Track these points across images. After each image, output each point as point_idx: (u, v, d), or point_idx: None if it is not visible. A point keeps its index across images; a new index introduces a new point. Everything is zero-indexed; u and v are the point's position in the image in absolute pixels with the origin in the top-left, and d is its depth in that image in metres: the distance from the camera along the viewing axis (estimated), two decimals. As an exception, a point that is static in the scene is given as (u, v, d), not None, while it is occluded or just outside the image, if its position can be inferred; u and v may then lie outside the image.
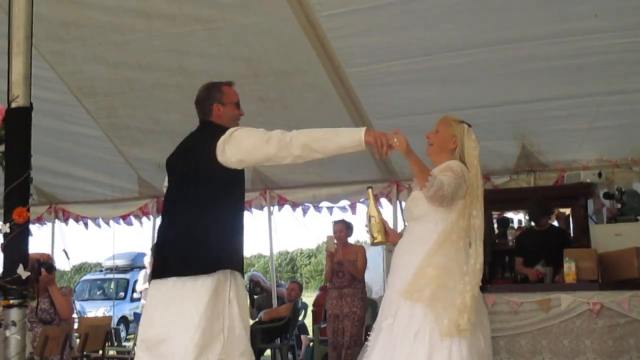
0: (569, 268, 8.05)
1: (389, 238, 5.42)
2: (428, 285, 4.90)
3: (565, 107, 9.36)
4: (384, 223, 5.36)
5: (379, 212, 5.37)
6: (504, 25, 8.41)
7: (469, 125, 5.59)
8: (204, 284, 4.83)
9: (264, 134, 5.11)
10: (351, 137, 4.94)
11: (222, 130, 5.15)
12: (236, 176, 5.22)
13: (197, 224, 4.99)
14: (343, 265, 9.85)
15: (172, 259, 5.00)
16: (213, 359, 4.76)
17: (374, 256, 10.42)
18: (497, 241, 10.90)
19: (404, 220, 11.20)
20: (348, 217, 12.01)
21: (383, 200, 11.90)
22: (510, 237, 10.71)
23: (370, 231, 5.37)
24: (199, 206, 5.01)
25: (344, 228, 10.16)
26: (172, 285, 4.90)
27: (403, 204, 11.67)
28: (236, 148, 5.05)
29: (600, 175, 9.91)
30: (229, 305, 4.92)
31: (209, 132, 5.23)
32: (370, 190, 5.49)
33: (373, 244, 5.47)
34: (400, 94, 9.70)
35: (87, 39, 9.75)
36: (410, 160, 5.05)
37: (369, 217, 5.37)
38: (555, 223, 10.50)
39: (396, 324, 4.97)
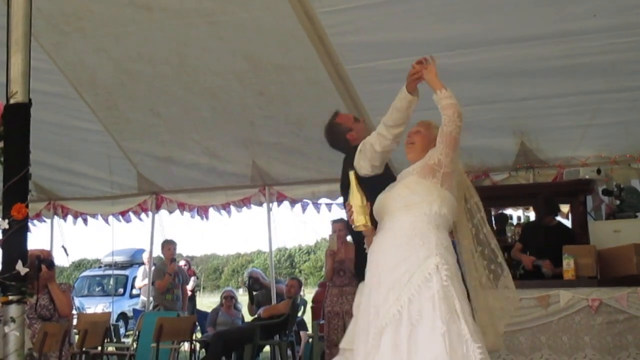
0: (568, 264, 8.05)
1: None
2: None
3: (564, 105, 9.36)
4: (367, 205, 5.15)
5: (362, 195, 5.12)
6: (503, 25, 8.44)
7: None
8: None
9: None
10: (399, 96, 5.59)
11: None
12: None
13: None
14: (344, 263, 9.84)
15: None
16: None
17: (373, 253, 10.39)
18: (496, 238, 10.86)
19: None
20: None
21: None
22: (509, 234, 10.70)
23: (353, 215, 5.15)
24: None
25: (343, 227, 10.14)
26: None
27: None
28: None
29: (599, 172, 9.91)
30: None
31: None
32: (352, 172, 5.27)
33: (356, 228, 5.16)
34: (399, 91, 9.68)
35: (88, 31, 9.76)
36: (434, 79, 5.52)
37: (351, 202, 5.15)
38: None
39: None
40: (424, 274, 4.67)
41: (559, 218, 9.82)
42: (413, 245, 4.82)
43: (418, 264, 4.72)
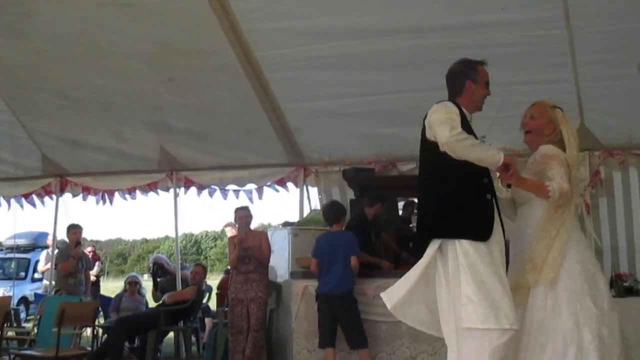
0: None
1: None
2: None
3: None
4: None
5: None
6: (414, 15, 8.56)
7: (562, 110, 5.80)
8: None
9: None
10: (489, 155, 5.06)
11: None
12: None
13: None
14: (249, 251, 9.84)
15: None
16: None
17: (280, 240, 10.40)
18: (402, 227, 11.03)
19: (321, 205, 11.29)
20: (255, 201, 12.04)
21: (290, 184, 11.93)
22: (415, 223, 10.84)
23: None
24: None
25: (248, 214, 10.14)
26: None
27: (310, 188, 11.77)
28: None
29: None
30: None
31: None
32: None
33: None
34: (310, 78, 9.78)
35: (-4, 7, 9.53)
36: (524, 185, 5.31)
37: None
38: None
39: None
40: None
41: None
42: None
43: None
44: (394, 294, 5.30)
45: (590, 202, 10.17)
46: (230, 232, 15.84)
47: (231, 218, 10.43)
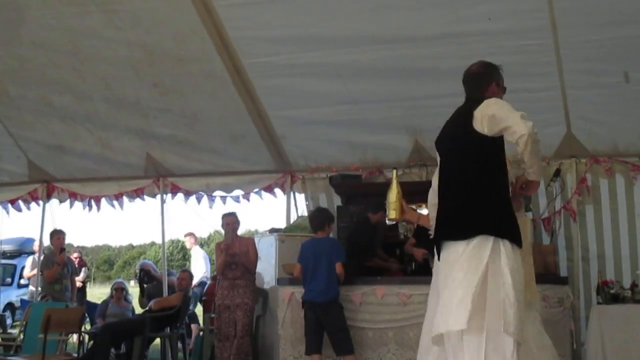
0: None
1: (404, 215, 6.13)
2: None
3: (457, 104, 9.50)
4: (400, 201, 5.95)
5: (398, 191, 5.94)
6: (400, 24, 8.60)
7: None
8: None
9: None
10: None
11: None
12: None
13: None
14: (236, 257, 9.83)
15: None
16: None
17: (267, 247, 10.41)
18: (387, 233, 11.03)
19: (308, 211, 11.30)
20: (242, 206, 12.04)
21: (277, 191, 11.93)
22: (401, 230, 10.83)
23: (387, 208, 6.00)
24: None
25: (235, 220, 10.13)
26: None
27: (297, 194, 11.76)
28: None
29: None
30: None
31: None
32: (394, 171, 6.14)
33: (389, 219, 6.12)
34: (296, 86, 9.80)
35: (-23, 14, 9.49)
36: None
37: (388, 196, 5.97)
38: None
39: None
40: None
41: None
42: None
43: None
44: (461, 315, 4.86)
45: (576, 210, 10.20)
46: (190, 242, 15.91)
47: (218, 224, 10.40)
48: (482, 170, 5.12)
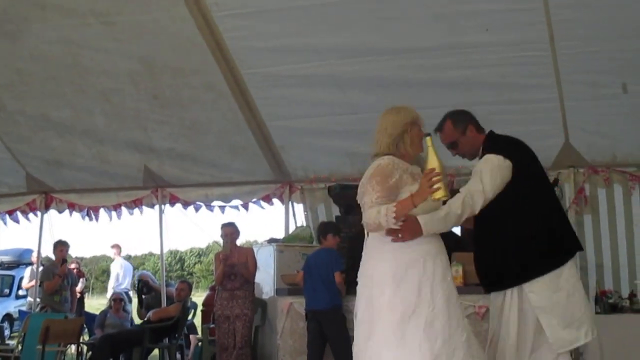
0: (456, 272, 8.18)
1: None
2: None
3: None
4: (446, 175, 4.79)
5: (440, 162, 4.64)
6: (396, 35, 8.63)
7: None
8: None
9: None
10: None
11: None
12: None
13: None
14: (235, 267, 9.83)
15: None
16: None
17: (265, 257, 10.40)
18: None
19: (307, 222, 11.30)
20: (241, 216, 12.04)
21: (275, 201, 11.93)
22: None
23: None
24: None
25: (234, 230, 10.13)
26: None
27: (296, 205, 11.76)
28: None
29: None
30: None
31: None
32: (429, 138, 4.76)
33: (435, 199, 4.68)
34: (295, 97, 9.82)
35: (-23, 27, 9.50)
36: None
37: (429, 169, 4.63)
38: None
39: None
40: None
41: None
42: None
43: None
44: None
45: (575, 219, 10.21)
46: (114, 253, 16.04)
47: (217, 235, 10.39)
48: (511, 218, 5.29)
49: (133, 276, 15.86)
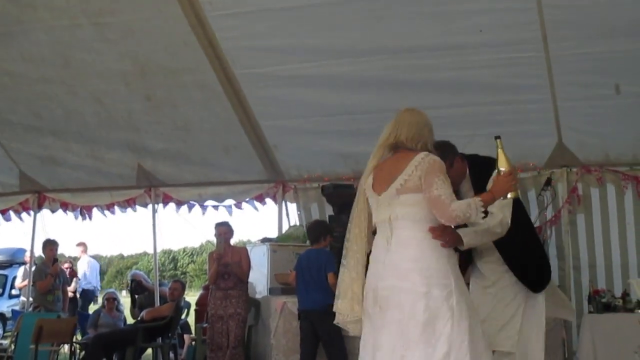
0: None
1: None
2: None
3: (449, 115, 9.52)
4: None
5: (510, 163, 4.88)
6: (393, 35, 8.62)
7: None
8: None
9: None
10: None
11: None
12: None
13: None
14: (229, 267, 9.82)
15: None
16: None
17: (259, 256, 10.39)
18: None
19: (300, 221, 11.32)
20: (234, 216, 12.03)
21: (268, 200, 11.93)
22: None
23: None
24: None
25: (228, 230, 10.13)
26: None
27: (289, 204, 11.76)
28: None
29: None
30: None
31: None
32: (499, 141, 4.96)
33: (508, 198, 4.89)
34: (288, 96, 9.81)
35: (-31, 29, 9.46)
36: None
37: (499, 171, 4.88)
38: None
39: None
40: None
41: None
42: None
43: None
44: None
45: (568, 219, 10.23)
46: (79, 251, 16.04)
47: (210, 234, 10.39)
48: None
49: (101, 273, 15.87)
